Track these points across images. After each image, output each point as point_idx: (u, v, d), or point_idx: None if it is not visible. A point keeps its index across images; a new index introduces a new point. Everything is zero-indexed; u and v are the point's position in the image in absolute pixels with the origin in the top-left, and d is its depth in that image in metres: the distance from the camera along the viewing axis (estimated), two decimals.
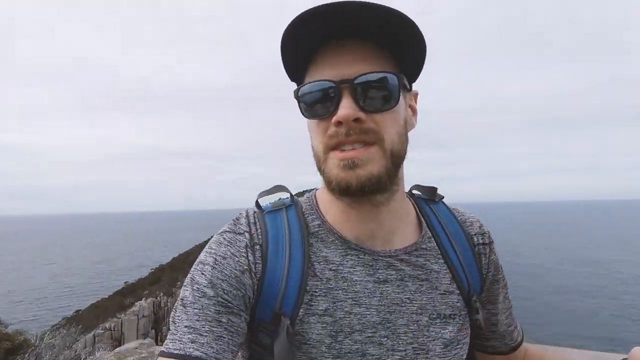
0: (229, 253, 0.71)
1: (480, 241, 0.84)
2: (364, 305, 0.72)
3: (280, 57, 0.69)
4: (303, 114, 0.71)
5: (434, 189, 0.89)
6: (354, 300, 0.72)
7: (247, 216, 0.77)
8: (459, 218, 0.86)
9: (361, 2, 0.60)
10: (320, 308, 0.71)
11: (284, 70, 0.73)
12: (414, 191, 0.89)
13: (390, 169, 0.69)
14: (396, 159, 0.70)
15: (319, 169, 0.72)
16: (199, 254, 0.74)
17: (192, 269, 0.71)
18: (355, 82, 0.65)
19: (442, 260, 0.78)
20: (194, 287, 0.68)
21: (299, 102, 0.71)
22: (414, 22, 0.64)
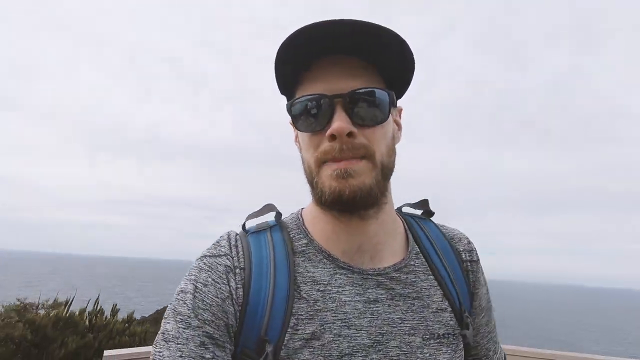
0: (209, 279, 0.68)
1: (468, 258, 0.82)
2: (353, 327, 0.69)
3: (274, 71, 0.70)
4: (296, 127, 0.71)
5: (425, 201, 0.87)
6: (344, 322, 0.69)
7: (229, 238, 0.75)
8: (447, 234, 0.84)
9: (353, 20, 0.63)
10: (307, 332, 0.67)
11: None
12: (404, 209, 0.88)
13: (380, 181, 0.69)
14: (386, 171, 0.70)
15: (311, 182, 0.71)
16: None
17: (173, 299, 0.68)
18: (349, 96, 0.66)
19: (432, 277, 0.76)
20: (177, 319, 0.64)
21: (291, 116, 0.71)
22: (404, 40, 0.66)
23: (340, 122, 0.64)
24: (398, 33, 0.64)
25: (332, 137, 0.65)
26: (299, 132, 0.72)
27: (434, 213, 0.86)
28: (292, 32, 0.63)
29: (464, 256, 0.81)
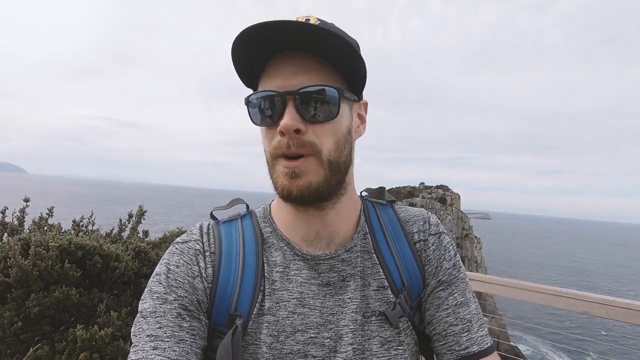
0: (181, 261, 0.74)
1: (422, 238, 0.84)
2: (307, 306, 0.75)
3: (233, 66, 0.72)
4: (252, 120, 0.74)
5: (382, 189, 0.92)
6: (299, 301, 0.75)
7: (201, 227, 0.81)
8: (403, 218, 0.87)
9: (306, 23, 0.65)
10: (265, 307, 0.74)
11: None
12: (364, 193, 0.92)
13: (329, 177, 0.72)
14: (335, 167, 0.73)
15: (269, 172, 0.75)
16: None
17: (149, 282, 0.73)
18: (298, 94, 0.68)
19: (374, 256, 0.80)
20: (153, 297, 0.70)
21: (247, 109, 0.74)
22: (354, 42, 0.72)
23: (287, 119, 0.67)
24: (343, 33, 0.69)
25: (282, 133, 0.68)
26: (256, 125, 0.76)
27: (395, 200, 0.92)
28: (244, 28, 0.64)
29: (416, 237, 0.83)
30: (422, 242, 0.83)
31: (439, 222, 0.88)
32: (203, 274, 0.74)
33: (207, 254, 0.76)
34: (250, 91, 0.76)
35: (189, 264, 0.74)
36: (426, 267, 0.81)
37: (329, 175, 0.72)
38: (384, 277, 0.78)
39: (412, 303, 0.79)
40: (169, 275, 0.72)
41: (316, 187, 0.70)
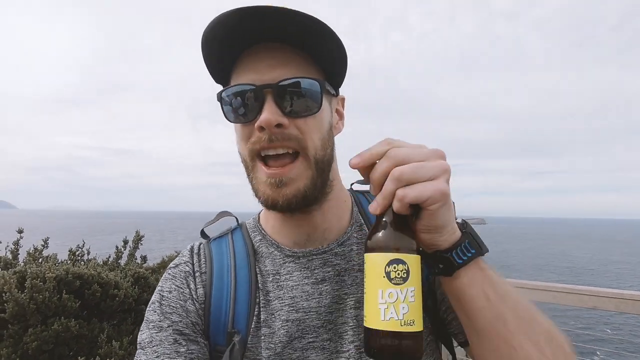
0: (173, 286, 0.75)
1: None
2: (302, 310, 0.72)
3: (203, 60, 0.68)
4: (226, 117, 0.69)
5: None
6: (291, 307, 0.72)
7: (192, 248, 0.81)
8: None
9: (282, 7, 0.60)
10: (261, 319, 0.72)
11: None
12: (354, 187, 0.84)
13: (316, 178, 0.69)
14: (321, 165, 0.69)
15: (248, 175, 0.71)
16: None
17: (146, 312, 0.74)
18: (278, 87, 0.64)
19: None
20: (149, 326, 0.70)
21: (221, 106, 0.69)
22: (332, 30, 0.64)
23: (268, 113, 0.63)
24: (326, 23, 0.63)
25: (261, 129, 0.64)
26: (230, 122, 0.71)
27: None
28: (217, 16, 0.60)
29: None
30: None
31: None
32: (194, 296, 0.74)
33: (198, 274, 0.76)
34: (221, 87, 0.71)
35: (181, 288, 0.75)
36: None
37: (316, 176, 0.69)
38: None
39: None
40: (162, 302, 0.73)
41: (304, 193, 0.67)
